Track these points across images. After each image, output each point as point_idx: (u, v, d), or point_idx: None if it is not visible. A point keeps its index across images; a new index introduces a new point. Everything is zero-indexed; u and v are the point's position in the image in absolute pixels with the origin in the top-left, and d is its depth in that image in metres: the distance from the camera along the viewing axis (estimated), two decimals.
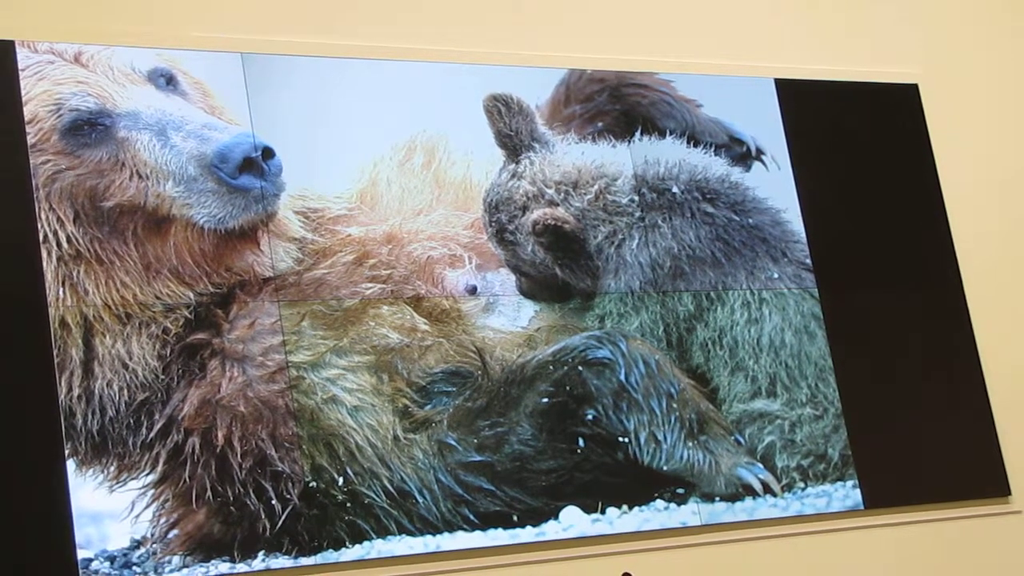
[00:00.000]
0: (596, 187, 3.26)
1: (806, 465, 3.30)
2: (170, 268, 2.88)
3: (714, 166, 3.38)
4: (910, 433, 3.51)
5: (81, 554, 2.67)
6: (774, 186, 3.46)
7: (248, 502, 2.82)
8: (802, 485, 3.29)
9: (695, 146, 3.41)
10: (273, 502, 2.83)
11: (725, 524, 3.18)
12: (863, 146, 3.69)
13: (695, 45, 3.59)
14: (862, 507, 3.36)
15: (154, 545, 2.76)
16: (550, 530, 3.04)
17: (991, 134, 3.91)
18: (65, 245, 2.78)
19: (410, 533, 2.93)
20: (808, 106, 3.62)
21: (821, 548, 3.31)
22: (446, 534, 2.95)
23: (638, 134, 3.39)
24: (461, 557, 2.95)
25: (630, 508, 3.12)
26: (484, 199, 3.23)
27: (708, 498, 3.17)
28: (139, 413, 2.80)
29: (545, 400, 3.09)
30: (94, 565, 2.69)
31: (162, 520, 2.78)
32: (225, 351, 2.88)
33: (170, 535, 2.78)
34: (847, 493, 3.35)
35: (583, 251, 3.23)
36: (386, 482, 2.93)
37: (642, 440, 3.13)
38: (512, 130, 3.25)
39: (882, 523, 3.40)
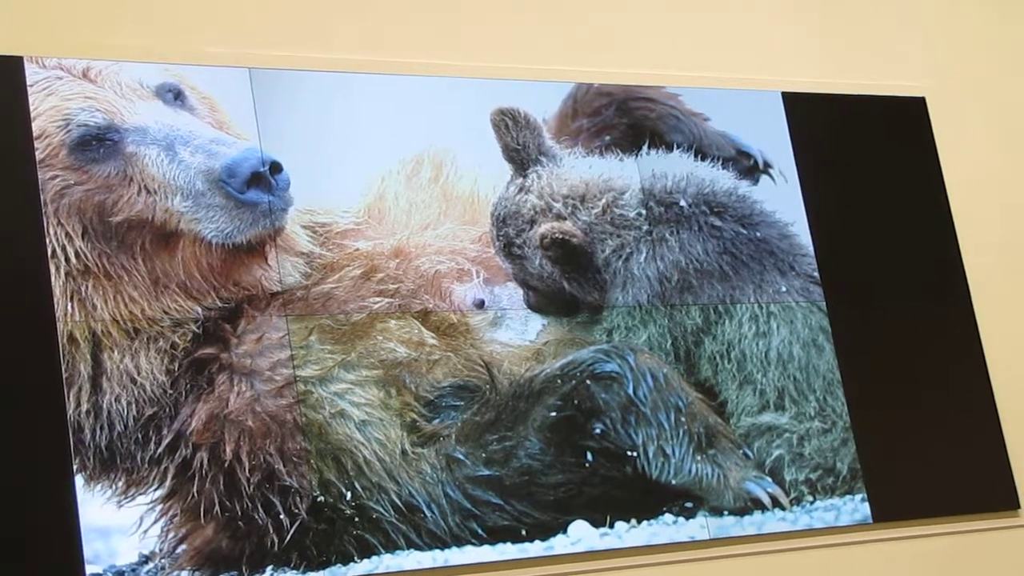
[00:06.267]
0: (603, 201, 3.26)
1: (815, 479, 3.30)
2: (178, 283, 2.88)
3: (721, 179, 3.38)
4: (919, 446, 3.50)
5: (90, 569, 2.67)
6: (781, 199, 3.46)
7: (256, 517, 2.82)
8: (811, 499, 3.28)
9: (702, 159, 3.41)
10: (281, 517, 2.83)
11: (734, 538, 3.18)
12: (871, 159, 3.69)
13: (702, 59, 3.60)
14: (871, 521, 3.36)
15: (162, 560, 2.76)
16: (558, 544, 3.03)
17: (999, 147, 3.91)
18: (73, 260, 2.79)
19: (418, 547, 2.93)
20: (815, 119, 3.63)
21: (830, 562, 3.31)
22: (454, 548, 2.95)
23: (645, 148, 3.39)
24: (470, 572, 2.95)
25: (639, 522, 3.11)
26: (492, 213, 3.24)
27: (717, 512, 3.16)
28: (147, 428, 2.80)
29: (553, 414, 3.09)
30: None
31: (170, 535, 2.78)
32: (233, 366, 2.88)
33: (178, 550, 2.78)
34: (856, 507, 3.34)
35: (591, 265, 3.24)
36: (394, 496, 2.93)
37: (650, 454, 3.12)
38: (519, 144, 3.26)
39: (891, 537, 3.39)
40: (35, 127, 2.80)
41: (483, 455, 3.02)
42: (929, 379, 3.59)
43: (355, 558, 2.87)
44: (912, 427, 3.51)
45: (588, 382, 3.12)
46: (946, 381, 3.62)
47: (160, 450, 2.80)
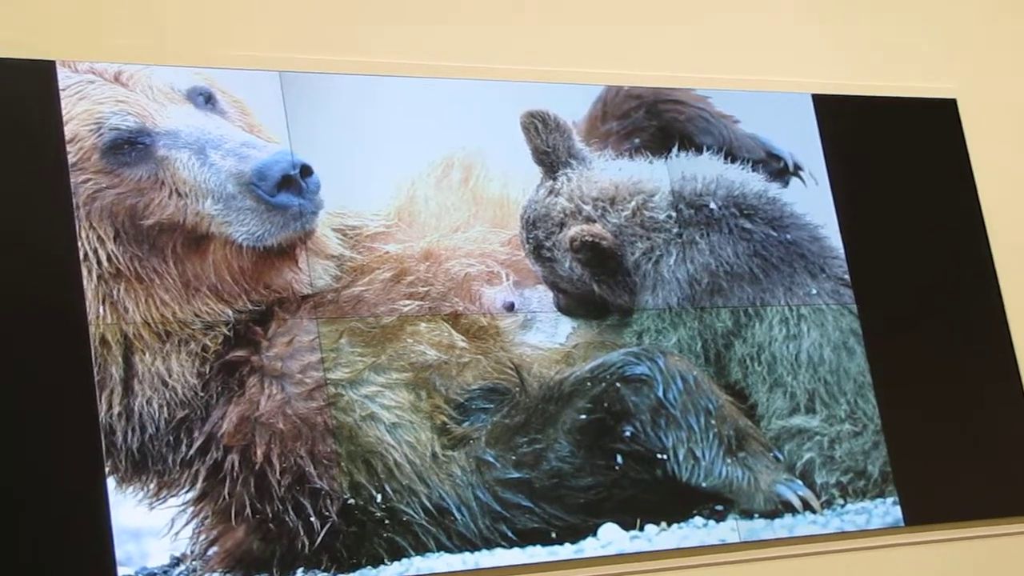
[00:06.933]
0: (633, 203, 3.26)
1: (845, 482, 3.29)
2: (209, 286, 2.89)
3: (752, 182, 3.37)
4: (950, 449, 3.49)
5: (121, 571, 2.68)
6: (812, 202, 3.45)
7: (287, 519, 2.82)
8: (842, 502, 3.27)
9: (732, 162, 3.41)
10: (312, 519, 2.84)
11: (764, 541, 3.17)
12: (901, 161, 3.68)
13: (732, 61, 3.59)
14: (902, 524, 3.34)
15: (194, 562, 2.77)
16: (588, 547, 3.03)
17: None
18: (105, 263, 2.80)
19: (448, 550, 2.93)
20: (846, 121, 3.62)
21: (861, 565, 3.30)
22: (484, 551, 2.95)
23: (675, 150, 3.38)
24: (499, 574, 2.95)
25: (669, 525, 3.11)
26: (521, 216, 3.24)
27: (747, 515, 3.16)
28: (179, 430, 2.81)
29: (583, 417, 3.08)
30: None
31: (202, 537, 2.79)
32: (264, 368, 2.89)
33: (210, 552, 2.78)
34: (887, 510, 3.33)
35: (620, 267, 3.23)
36: (424, 499, 2.93)
37: (680, 457, 3.12)
38: (549, 147, 3.26)
39: (923, 540, 3.38)
40: (67, 131, 2.82)
41: (513, 458, 3.02)
42: (960, 381, 3.58)
43: (385, 560, 2.87)
44: (944, 429, 3.50)
45: (618, 385, 3.12)
46: (977, 383, 3.61)
47: (191, 452, 2.81)
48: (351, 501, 2.87)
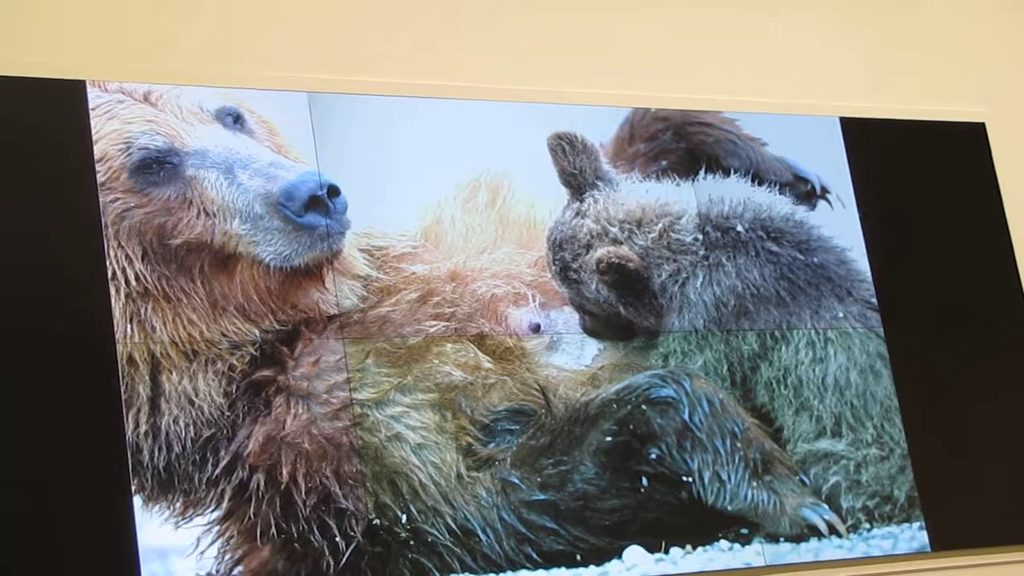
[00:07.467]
0: (660, 225, 3.26)
1: (872, 506, 3.28)
2: (236, 305, 2.89)
3: (779, 205, 3.37)
4: (978, 474, 3.47)
5: None
6: (839, 225, 3.45)
7: (312, 539, 2.82)
8: (868, 526, 3.26)
9: (760, 184, 3.40)
10: (337, 539, 2.84)
11: (790, 565, 3.16)
12: (929, 185, 3.67)
13: (760, 84, 3.59)
14: (929, 549, 3.33)
15: None
16: (613, 569, 3.03)
17: None
18: (133, 282, 2.81)
19: (473, 571, 2.92)
20: (874, 145, 3.61)
21: None
22: (509, 573, 2.95)
23: (702, 172, 3.38)
24: None
25: (694, 548, 3.10)
26: (548, 237, 3.24)
27: (773, 538, 3.15)
28: (205, 449, 2.81)
29: (609, 439, 3.08)
30: None
31: (227, 556, 2.79)
32: (290, 388, 2.90)
33: (235, 572, 2.78)
34: (913, 535, 3.32)
35: (647, 289, 3.23)
36: (449, 520, 2.93)
37: (706, 479, 3.11)
38: (576, 168, 3.26)
39: (949, 565, 3.36)
40: (97, 150, 2.83)
41: (538, 479, 3.02)
42: (988, 406, 3.56)
43: None
44: (971, 454, 3.48)
45: (644, 407, 3.11)
46: (1005, 408, 3.59)
47: (217, 472, 2.81)
48: (376, 522, 2.87)
